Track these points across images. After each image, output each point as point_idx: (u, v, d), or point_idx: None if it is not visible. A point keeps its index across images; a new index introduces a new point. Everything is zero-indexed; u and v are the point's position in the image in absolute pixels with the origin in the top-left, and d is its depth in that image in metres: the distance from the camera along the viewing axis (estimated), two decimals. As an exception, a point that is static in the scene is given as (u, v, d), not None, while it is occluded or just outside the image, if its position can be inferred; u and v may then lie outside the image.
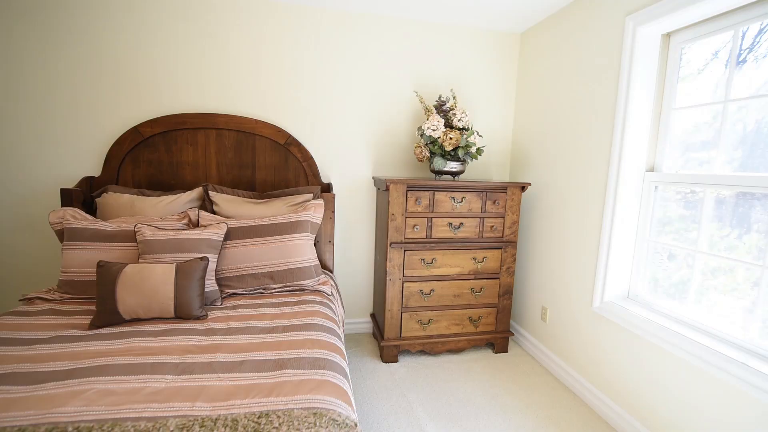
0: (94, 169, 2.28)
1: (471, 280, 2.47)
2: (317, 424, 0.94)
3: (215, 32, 2.31)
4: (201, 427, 0.92)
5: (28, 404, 0.98)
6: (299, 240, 1.96)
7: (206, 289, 1.72)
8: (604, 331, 1.94)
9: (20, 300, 1.69)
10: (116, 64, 2.23)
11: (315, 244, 2.40)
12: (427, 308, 2.43)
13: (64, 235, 1.79)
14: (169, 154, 2.33)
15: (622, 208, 1.89)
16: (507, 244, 2.47)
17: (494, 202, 2.42)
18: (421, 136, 2.39)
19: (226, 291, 1.86)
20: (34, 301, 1.68)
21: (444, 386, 2.16)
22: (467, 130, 2.38)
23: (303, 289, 1.95)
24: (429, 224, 2.36)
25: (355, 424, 0.99)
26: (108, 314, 1.49)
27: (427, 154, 2.41)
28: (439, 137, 2.34)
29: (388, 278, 2.34)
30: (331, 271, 2.41)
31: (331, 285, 2.14)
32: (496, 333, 2.55)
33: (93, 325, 1.47)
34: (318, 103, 2.50)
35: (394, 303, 2.38)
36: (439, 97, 2.42)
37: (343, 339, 1.69)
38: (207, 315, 1.61)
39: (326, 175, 2.59)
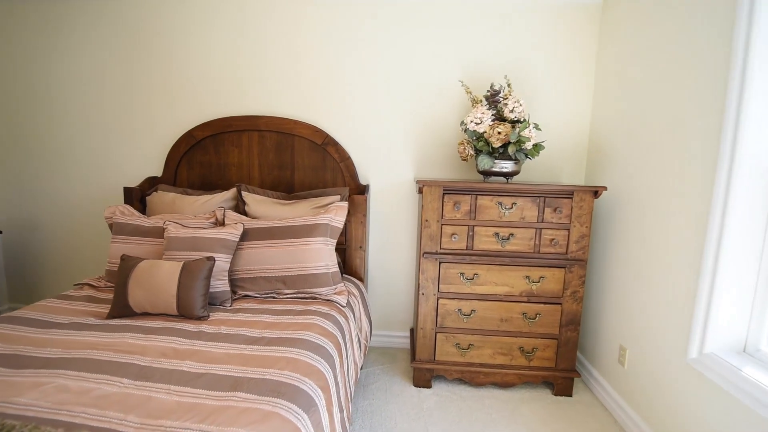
0: (157, 170, 2.52)
1: (523, 304, 2.04)
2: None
3: (257, 37, 2.35)
4: (109, 447, 0.83)
5: (-9, 389, 1.03)
6: (315, 244, 1.84)
7: (216, 290, 1.70)
8: (704, 396, 1.38)
9: (74, 285, 1.91)
10: (174, 74, 2.42)
11: (344, 250, 2.26)
12: (467, 331, 2.09)
13: (112, 228, 1.96)
14: (217, 155, 2.44)
15: (737, 223, 1.32)
16: (573, 262, 1.99)
17: (555, 210, 1.96)
18: (465, 131, 2.07)
19: (240, 293, 1.83)
20: (83, 287, 1.88)
21: (480, 428, 1.81)
22: (521, 122, 1.98)
23: (315, 298, 1.82)
24: (470, 233, 2.02)
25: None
26: (121, 307, 1.56)
27: (471, 152, 2.08)
28: (484, 132, 1.99)
29: (420, 292, 2.07)
30: (361, 280, 2.24)
31: (352, 295, 1.97)
32: (557, 371, 2.07)
33: (109, 316, 1.56)
34: (356, 100, 2.37)
35: (427, 321, 2.09)
36: (491, 86, 2.07)
37: (341, 358, 1.50)
38: (208, 316, 1.58)
39: (365, 176, 2.44)
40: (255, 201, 2.11)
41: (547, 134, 2.30)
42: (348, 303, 1.86)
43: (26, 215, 2.67)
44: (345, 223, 2.23)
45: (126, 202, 2.30)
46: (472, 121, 2.00)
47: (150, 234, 1.90)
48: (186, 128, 2.46)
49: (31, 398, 1.00)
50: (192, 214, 2.06)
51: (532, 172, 2.37)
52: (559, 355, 2.06)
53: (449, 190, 1.99)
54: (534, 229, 2.00)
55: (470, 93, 2.11)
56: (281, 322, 1.54)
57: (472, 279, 2.04)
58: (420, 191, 2.01)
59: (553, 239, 1.99)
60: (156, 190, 2.25)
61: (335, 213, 1.93)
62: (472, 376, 2.12)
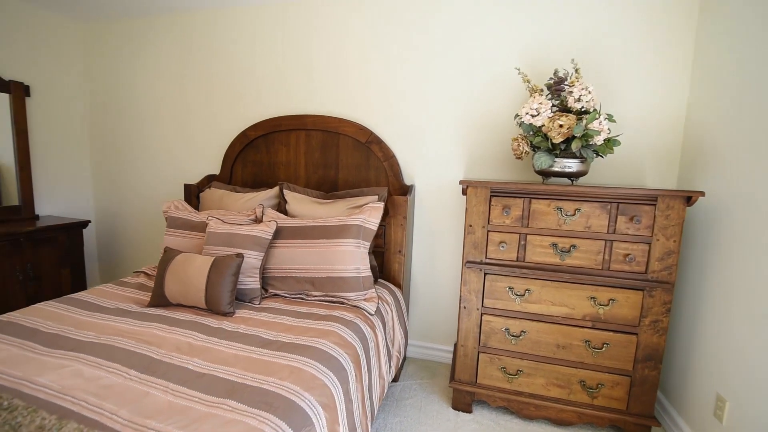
0: (216, 168, 2.66)
1: (586, 329, 1.72)
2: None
3: (301, 39, 2.35)
4: (88, 443, 0.81)
5: (20, 365, 1.11)
6: (345, 246, 1.74)
7: (246, 286, 1.70)
8: None
9: (133, 272, 2.07)
10: (231, 80, 2.54)
11: (382, 254, 2.14)
12: (516, 354, 1.82)
13: (167, 221, 2.10)
14: (267, 154, 2.50)
15: None
16: (655, 284, 1.61)
17: (632, 219, 1.61)
18: (519, 125, 1.81)
19: (270, 291, 1.81)
20: (139, 275, 2.03)
21: (518, 471, 1.55)
22: (589, 113, 1.67)
23: (342, 302, 1.72)
24: (521, 242, 1.76)
25: None
26: (158, 297, 1.63)
27: (527, 149, 1.81)
28: (542, 125, 1.72)
29: (462, 305, 1.86)
30: (399, 286, 2.10)
31: (385, 302, 1.84)
32: (629, 415, 1.69)
33: (149, 305, 1.64)
34: (401, 95, 2.23)
35: (469, 338, 1.87)
36: (555, 73, 1.78)
37: (359, 372, 1.37)
38: (234, 312, 1.58)
39: (410, 175, 2.29)
40: (295, 199, 2.10)
41: (626, 128, 1.92)
42: (378, 311, 1.74)
43: (113, 207, 3.03)
44: (383, 226, 2.11)
45: (186, 197, 2.47)
46: (527, 113, 1.73)
47: (197, 228, 1.98)
48: (241, 128, 2.56)
49: (48, 379, 1.05)
50: (237, 211, 2.11)
51: (605, 172, 2.00)
52: (633, 397, 1.69)
53: (497, 192, 1.75)
54: (602, 241, 1.66)
55: (528, 81, 1.83)
56: (300, 326, 1.47)
57: (523, 295, 1.77)
58: (464, 192, 1.81)
59: (628, 255, 1.64)
60: (209, 187, 2.36)
61: (369, 214, 1.82)
62: (520, 407, 1.84)
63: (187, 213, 2.07)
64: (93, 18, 2.75)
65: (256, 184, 2.53)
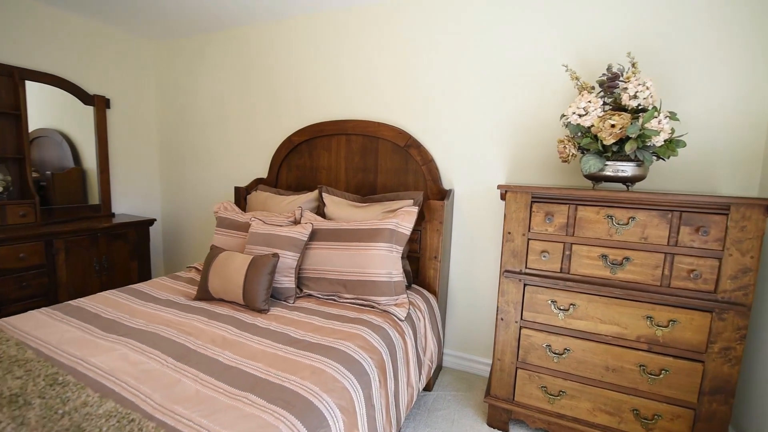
0: (264, 172, 2.80)
1: (641, 352, 1.54)
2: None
3: (339, 50, 2.40)
4: (121, 420, 0.88)
5: (79, 346, 1.24)
6: (377, 250, 1.74)
7: (281, 285, 1.76)
8: None
9: (186, 267, 2.24)
10: (277, 89, 2.67)
11: (417, 259, 2.10)
12: (558, 374, 1.68)
13: (217, 221, 2.24)
14: (310, 159, 2.59)
15: None
16: (726, 306, 1.40)
17: (698, 231, 1.42)
18: (566, 125, 1.68)
19: (305, 291, 1.85)
20: (190, 270, 2.19)
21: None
22: (646, 111, 1.50)
23: (372, 306, 1.71)
24: (566, 252, 1.63)
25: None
26: (203, 291, 1.75)
27: (573, 151, 1.67)
28: (591, 125, 1.58)
29: (499, 317, 1.76)
30: (435, 293, 2.04)
31: (418, 309, 1.80)
32: (692, 455, 1.49)
33: (195, 297, 1.76)
34: (441, 97, 2.19)
35: (506, 352, 1.77)
36: (608, 68, 1.63)
37: (384, 377, 1.35)
38: (268, 309, 1.64)
39: (449, 179, 2.23)
40: (333, 202, 2.14)
41: (694, 127, 1.70)
42: (408, 317, 1.70)
43: (176, 207, 3.32)
44: (419, 231, 2.07)
45: (235, 199, 2.63)
46: (574, 113, 1.61)
47: (241, 228, 2.10)
48: (286, 134, 2.67)
49: (99, 360, 1.17)
50: (279, 213, 2.20)
51: (670, 177, 1.79)
52: (698, 433, 1.48)
53: (539, 197, 1.64)
54: (661, 254, 1.48)
55: (577, 79, 1.70)
56: (328, 327, 1.49)
57: (567, 310, 1.64)
58: (503, 198, 1.72)
59: (692, 270, 1.44)
60: (256, 190, 2.49)
61: (402, 218, 1.79)
62: (561, 431, 1.69)
63: (234, 214, 2.20)
64: (162, 36, 3.05)
65: (300, 187, 2.62)
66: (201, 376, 1.12)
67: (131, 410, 0.94)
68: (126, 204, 3.13)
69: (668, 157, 1.54)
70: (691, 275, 1.44)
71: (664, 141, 1.49)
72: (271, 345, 1.33)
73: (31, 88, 2.46)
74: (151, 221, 2.87)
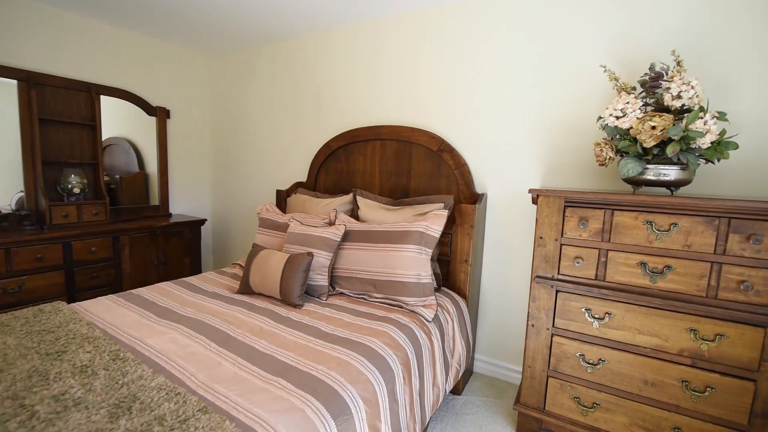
0: (304, 176, 2.95)
1: (684, 367, 1.45)
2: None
3: (374, 60, 2.48)
4: (169, 393, 1.00)
5: (138, 328, 1.41)
6: (406, 252, 1.78)
7: (315, 283, 1.86)
8: None
9: (231, 263, 2.41)
10: (317, 95, 2.80)
11: (447, 262, 2.11)
12: (592, 385, 1.63)
13: (259, 222, 2.40)
14: (347, 163, 2.69)
15: None
16: (783, 321, 1.29)
17: (749, 239, 1.32)
18: (603, 128, 1.63)
19: (337, 289, 1.94)
20: (235, 266, 2.36)
21: None
22: (691, 111, 1.43)
23: (401, 306, 1.76)
24: (601, 259, 1.58)
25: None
26: (245, 285, 1.89)
27: (611, 154, 1.62)
28: (630, 128, 1.52)
29: (530, 323, 1.74)
30: (464, 297, 2.04)
31: (446, 311, 1.82)
32: (743, 482, 1.37)
33: (238, 291, 1.91)
34: (474, 102, 2.20)
35: (537, 359, 1.73)
36: (651, 67, 1.57)
37: (409, 375, 1.39)
38: (302, 305, 1.74)
39: (482, 183, 2.23)
40: (366, 205, 2.21)
41: (746, 128, 1.58)
42: (436, 318, 1.72)
43: (225, 209, 3.57)
44: (450, 234, 2.09)
45: (276, 202, 2.79)
46: (611, 115, 1.56)
47: (281, 228, 2.23)
48: (325, 140, 2.80)
49: (153, 341, 1.32)
50: (316, 215, 2.32)
51: (719, 182, 1.67)
52: (749, 459, 1.36)
53: (573, 202, 1.61)
54: (707, 264, 1.39)
55: (616, 80, 1.64)
56: (357, 323, 1.55)
57: (603, 319, 1.58)
58: (534, 202, 1.70)
59: (743, 281, 1.34)
60: (295, 193, 2.63)
61: (432, 221, 1.83)
62: (596, 446, 1.63)
63: (275, 215, 2.34)
64: (216, 52, 3.32)
65: (336, 190, 2.73)
66: (239, 360, 1.23)
67: (178, 385, 1.06)
68: (182, 205, 3.42)
69: (717, 160, 1.46)
70: (742, 286, 1.34)
71: (711, 143, 1.41)
72: (302, 337, 1.41)
73: (104, 101, 2.78)
74: (203, 221, 3.12)
